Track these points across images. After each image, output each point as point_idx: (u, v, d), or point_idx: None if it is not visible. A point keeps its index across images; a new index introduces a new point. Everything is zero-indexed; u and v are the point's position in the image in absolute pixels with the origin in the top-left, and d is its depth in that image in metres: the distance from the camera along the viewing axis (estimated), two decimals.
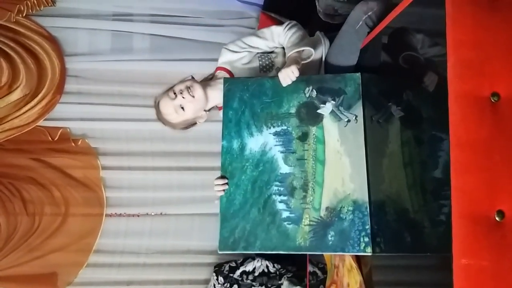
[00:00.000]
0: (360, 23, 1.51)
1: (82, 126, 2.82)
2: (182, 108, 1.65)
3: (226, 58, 1.76)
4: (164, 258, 2.82)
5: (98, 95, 2.81)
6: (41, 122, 2.77)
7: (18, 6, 2.67)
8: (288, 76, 1.48)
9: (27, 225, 2.73)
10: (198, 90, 1.66)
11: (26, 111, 2.73)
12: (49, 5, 2.76)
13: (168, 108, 1.67)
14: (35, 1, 2.70)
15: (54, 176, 2.77)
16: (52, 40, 2.77)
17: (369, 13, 1.49)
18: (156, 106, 1.73)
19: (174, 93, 1.65)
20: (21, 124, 2.74)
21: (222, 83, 1.72)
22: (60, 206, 2.76)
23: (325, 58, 1.71)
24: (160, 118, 1.75)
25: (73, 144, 2.78)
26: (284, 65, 1.67)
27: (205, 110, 1.73)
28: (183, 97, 1.64)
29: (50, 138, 2.76)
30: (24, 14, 2.71)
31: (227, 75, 1.74)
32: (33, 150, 2.77)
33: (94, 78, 2.82)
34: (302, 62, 1.58)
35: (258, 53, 1.75)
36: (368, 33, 1.52)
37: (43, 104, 2.74)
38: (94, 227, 2.78)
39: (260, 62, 1.72)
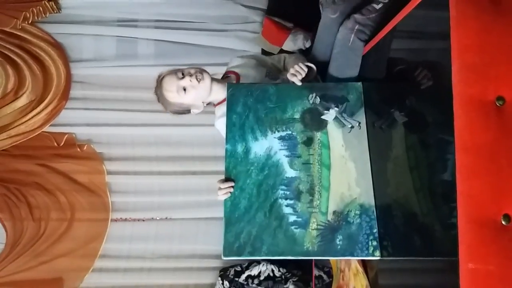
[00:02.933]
0: (351, 39, 1.50)
1: (87, 131, 2.84)
2: (184, 90, 1.66)
3: (235, 63, 1.83)
4: (169, 262, 2.82)
5: (103, 100, 2.82)
6: (46, 128, 2.78)
7: (24, 13, 2.69)
8: (297, 71, 1.50)
9: (33, 230, 2.74)
10: (206, 80, 1.68)
11: (32, 117, 2.75)
12: (55, 12, 2.78)
13: (172, 85, 1.67)
14: (41, 8, 2.72)
15: (60, 182, 2.78)
16: (58, 47, 2.80)
17: (356, 27, 1.48)
18: (159, 80, 1.73)
19: (183, 74, 1.67)
20: (27, 130, 2.76)
21: (229, 82, 1.75)
22: (65, 211, 2.77)
23: (327, 77, 1.73)
24: (157, 93, 1.75)
25: (78, 149, 2.79)
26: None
27: (203, 102, 1.74)
28: (190, 80, 1.65)
29: (55, 144, 2.78)
30: (30, 21, 2.73)
31: (235, 76, 1.78)
32: (39, 156, 2.78)
33: (99, 83, 2.83)
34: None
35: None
36: (365, 43, 1.52)
37: (48, 110, 2.76)
38: (100, 232, 2.78)
39: (267, 70, 1.78)
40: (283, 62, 1.82)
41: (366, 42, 1.51)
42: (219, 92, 1.72)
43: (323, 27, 1.64)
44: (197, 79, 1.65)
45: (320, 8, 1.94)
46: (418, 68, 1.27)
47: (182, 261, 2.83)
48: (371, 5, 1.45)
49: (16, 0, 2.74)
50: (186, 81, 1.65)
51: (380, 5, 1.44)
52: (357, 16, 1.47)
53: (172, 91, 1.68)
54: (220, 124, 1.64)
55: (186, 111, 1.76)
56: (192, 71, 1.68)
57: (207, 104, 1.78)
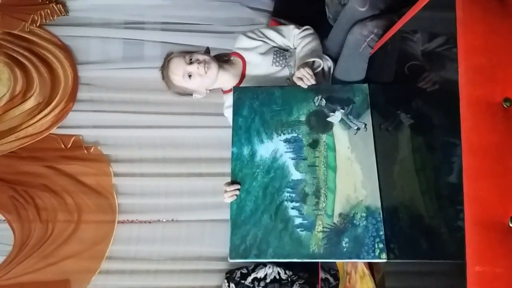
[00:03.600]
0: (363, 45, 1.50)
1: (94, 133, 2.85)
2: (190, 76, 1.67)
3: (242, 44, 1.79)
4: (175, 264, 2.82)
5: (110, 102, 2.83)
6: (54, 130, 2.80)
7: (32, 16, 2.72)
8: (303, 75, 1.49)
9: (40, 232, 2.75)
10: (213, 69, 1.68)
11: (40, 119, 2.77)
12: (63, 14, 2.81)
13: (178, 69, 1.68)
14: (49, 11, 2.75)
15: (67, 183, 2.79)
16: (65, 49, 2.82)
17: (371, 36, 1.48)
18: (167, 60, 1.74)
19: (191, 59, 1.67)
20: (35, 132, 2.77)
21: (234, 69, 1.75)
22: (73, 213, 2.78)
23: (332, 77, 1.72)
24: (163, 72, 1.76)
25: (85, 151, 2.81)
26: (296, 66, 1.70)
27: (206, 89, 1.75)
28: (197, 68, 1.65)
29: (63, 146, 2.79)
30: (38, 24, 2.75)
31: (240, 61, 1.77)
32: (47, 158, 2.80)
33: (106, 85, 2.84)
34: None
35: (274, 47, 1.77)
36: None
37: (56, 112, 2.78)
38: (106, 234, 2.79)
39: (274, 56, 1.73)
40: (293, 39, 1.77)
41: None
42: (226, 79, 1.73)
43: (347, 16, 1.58)
44: (204, 68, 1.66)
45: (326, 10, 1.95)
46: (426, 69, 1.26)
47: (188, 263, 2.82)
48: (392, 18, 1.44)
49: (24, 3, 2.76)
50: (193, 68, 1.66)
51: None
52: (375, 24, 1.45)
53: (178, 75, 1.69)
54: (229, 113, 1.65)
55: (189, 94, 1.76)
56: (201, 58, 1.68)
57: (211, 90, 1.78)
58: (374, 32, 1.47)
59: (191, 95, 1.77)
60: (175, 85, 1.73)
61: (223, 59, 1.82)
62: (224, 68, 1.75)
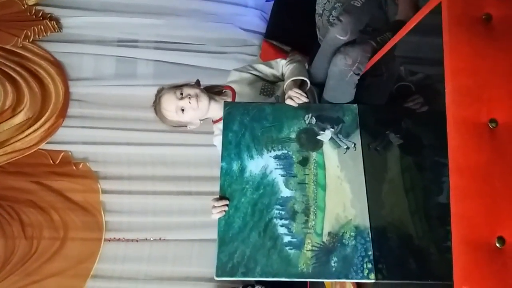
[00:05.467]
0: (350, 74, 1.51)
1: (84, 149, 2.84)
2: (183, 110, 1.69)
3: (232, 78, 1.85)
4: (162, 284, 2.78)
5: (100, 119, 2.84)
6: (43, 145, 2.78)
7: (25, 31, 2.74)
8: (293, 96, 1.51)
9: (25, 248, 2.70)
10: (204, 101, 1.71)
11: (29, 134, 2.75)
12: (56, 31, 2.83)
13: (171, 105, 1.70)
14: (42, 27, 2.77)
15: (54, 200, 2.76)
16: (57, 65, 2.83)
17: (356, 65, 1.50)
18: (158, 97, 1.76)
19: (181, 94, 1.69)
20: (23, 147, 2.75)
21: (225, 100, 1.78)
22: (58, 230, 2.75)
23: (321, 102, 1.75)
24: (156, 108, 1.77)
25: (74, 167, 2.79)
26: (283, 95, 1.72)
27: (199, 120, 1.78)
28: (189, 102, 1.68)
29: (51, 162, 2.77)
30: (31, 40, 2.77)
31: (231, 93, 1.81)
32: (34, 173, 2.77)
33: (98, 102, 2.85)
34: None
35: (262, 79, 1.83)
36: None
37: (45, 128, 2.77)
38: (93, 252, 2.75)
39: (262, 86, 1.79)
40: (281, 69, 1.82)
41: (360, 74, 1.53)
42: (217, 109, 1.76)
43: (330, 46, 1.59)
44: (196, 101, 1.69)
45: (317, 32, 1.98)
46: (414, 91, 1.28)
47: (175, 283, 2.79)
48: (371, 43, 1.47)
49: (18, 19, 2.78)
50: (185, 102, 1.68)
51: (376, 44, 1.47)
52: (357, 52, 1.46)
53: (171, 111, 1.71)
54: (218, 141, 1.66)
55: (183, 126, 1.79)
56: (192, 92, 1.70)
57: (204, 120, 1.81)
58: (358, 61, 1.48)
59: (186, 126, 1.81)
60: (169, 120, 1.75)
61: (214, 91, 1.86)
62: (214, 99, 1.78)
